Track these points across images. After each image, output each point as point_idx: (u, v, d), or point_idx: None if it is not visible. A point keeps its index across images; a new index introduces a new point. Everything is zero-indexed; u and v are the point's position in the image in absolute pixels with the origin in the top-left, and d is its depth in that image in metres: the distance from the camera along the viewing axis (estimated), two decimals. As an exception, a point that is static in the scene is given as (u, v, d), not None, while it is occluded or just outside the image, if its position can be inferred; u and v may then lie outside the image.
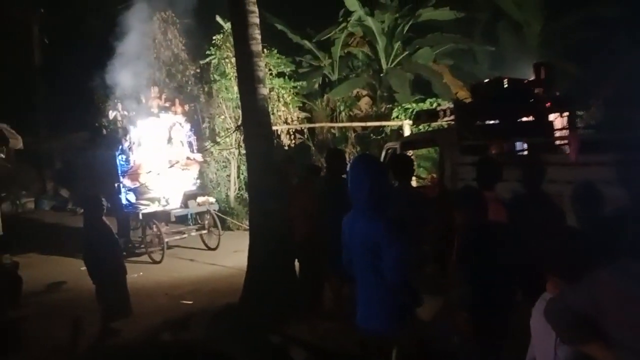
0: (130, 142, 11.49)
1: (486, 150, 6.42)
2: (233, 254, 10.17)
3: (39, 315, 7.27)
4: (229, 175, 14.35)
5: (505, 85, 7.04)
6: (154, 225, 10.72)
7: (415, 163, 6.84)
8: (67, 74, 16.52)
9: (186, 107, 13.02)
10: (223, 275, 9.08)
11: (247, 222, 9.10)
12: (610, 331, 1.95)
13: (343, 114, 15.54)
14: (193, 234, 11.43)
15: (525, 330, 2.89)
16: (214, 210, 11.58)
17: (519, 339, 3.29)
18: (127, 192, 11.27)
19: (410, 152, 7.96)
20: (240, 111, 8.30)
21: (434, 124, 10.55)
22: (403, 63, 15.32)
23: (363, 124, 14.46)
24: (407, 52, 15.38)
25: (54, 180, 18.72)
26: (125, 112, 12.04)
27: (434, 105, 12.68)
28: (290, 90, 14.23)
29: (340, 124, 15.14)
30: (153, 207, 11.03)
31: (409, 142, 8.52)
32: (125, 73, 11.57)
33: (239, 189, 14.22)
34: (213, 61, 14.09)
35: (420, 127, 11.08)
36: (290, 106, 14.12)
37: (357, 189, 3.24)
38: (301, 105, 15.24)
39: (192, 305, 7.49)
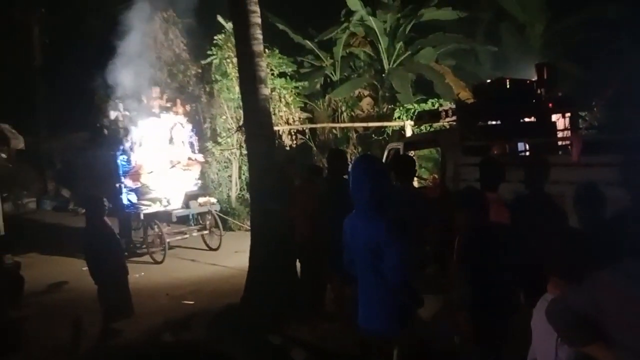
0: (131, 143, 11.49)
1: (488, 151, 6.41)
2: (234, 255, 10.17)
3: (41, 315, 7.28)
4: (230, 176, 14.36)
5: (508, 86, 7.03)
6: (156, 226, 10.73)
7: (417, 164, 6.82)
8: (68, 74, 16.53)
9: (187, 107, 13.01)
10: (224, 275, 9.09)
11: (249, 223, 9.11)
12: (611, 332, 1.95)
13: (345, 114, 15.53)
14: (194, 234, 11.44)
15: (526, 331, 2.88)
16: (215, 210, 11.59)
17: (520, 340, 3.28)
18: (129, 192, 11.28)
19: (412, 153, 7.96)
20: (241, 111, 8.31)
21: (435, 125, 10.54)
22: (405, 63, 15.30)
23: (365, 124, 14.45)
24: (409, 52, 15.36)
25: (55, 181, 18.72)
26: (127, 112, 12.04)
27: (436, 105, 12.68)
28: (291, 91, 14.23)
29: (342, 125, 15.13)
30: (154, 208, 11.04)
31: (412, 143, 8.51)
32: (126, 73, 11.57)
33: (240, 190, 14.23)
34: (214, 61, 14.10)
35: (422, 127, 11.06)
36: (292, 106, 14.13)
37: (359, 190, 3.24)
38: (303, 105, 15.24)
39: (193, 306, 7.50)
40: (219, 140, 13.77)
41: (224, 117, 14.06)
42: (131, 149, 11.47)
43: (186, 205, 11.18)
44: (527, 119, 7.33)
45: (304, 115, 15.16)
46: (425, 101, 13.77)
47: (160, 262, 10.36)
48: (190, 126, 12.42)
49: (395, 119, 13.62)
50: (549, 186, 4.36)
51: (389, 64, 15.42)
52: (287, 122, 13.97)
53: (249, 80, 6.71)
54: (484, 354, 3.55)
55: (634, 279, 1.91)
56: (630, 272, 1.93)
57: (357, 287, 3.41)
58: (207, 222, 11.60)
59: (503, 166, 4.45)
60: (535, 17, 14.88)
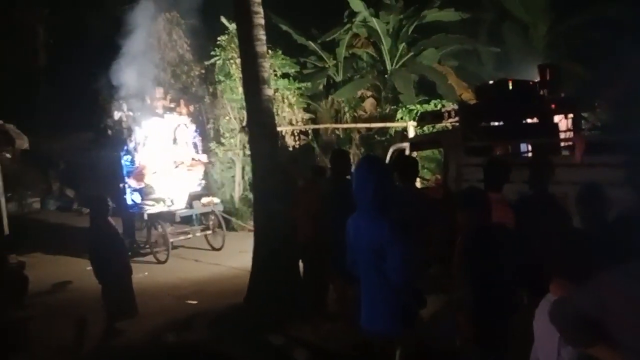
0: (135, 143, 11.53)
1: (491, 152, 6.41)
2: (237, 255, 10.18)
3: (45, 315, 7.29)
4: (233, 176, 14.37)
5: (510, 87, 7.03)
6: (159, 226, 10.75)
7: (419, 164, 6.83)
8: (72, 74, 16.58)
9: (191, 107, 13.05)
10: (227, 275, 9.10)
11: (252, 223, 9.11)
12: (616, 333, 1.95)
13: (347, 115, 15.53)
14: (198, 234, 11.46)
15: (527, 332, 2.89)
16: (219, 210, 11.61)
17: (520, 340, 3.29)
18: (132, 192, 11.31)
19: (414, 154, 7.96)
20: (244, 112, 8.33)
21: (438, 126, 10.54)
22: (408, 64, 15.30)
23: (367, 125, 14.45)
24: (411, 53, 15.34)
25: (59, 181, 18.78)
26: (130, 113, 12.08)
27: (439, 106, 12.67)
28: (294, 91, 14.24)
29: (345, 125, 15.13)
30: (158, 208, 11.06)
31: (419, 143, 8.51)
32: (130, 74, 11.60)
33: (243, 190, 14.24)
34: (218, 62, 14.11)
35: (425, 128, 11.07)
36: (295, 107, 14.13)
37: (362, 190, 3.26)
38: (305, 106, 15.24)
39: (196, 306, 7.51)
40: (223, 140, 13.79)
41: (228, 117, 14.08)
42: (135, 149, 11.50)
43: (190, 205, 11.21)
44: (529, 120, 7.33)
45: (307, 115, 15.16)
46: (427, 102, 13.76)
47: (164, 262, 10.38)
48: (193, 127, 12.46)
49: (398, 119, 13.61)
50: (552, 186, 4.37)
51: (392, 65, 15.41)
52: (290, 123, 13.98)
53: (252, 81, 6.73)
54: (485, 354, 3.56)
55: (637, 280, 1.92)
56: (634, 272, 1.94)
57: (360, 287, 3.43)
58: (211, 223, 11.62)
59: (508, 167, 4.46)
60: (538, 18, 14.85)
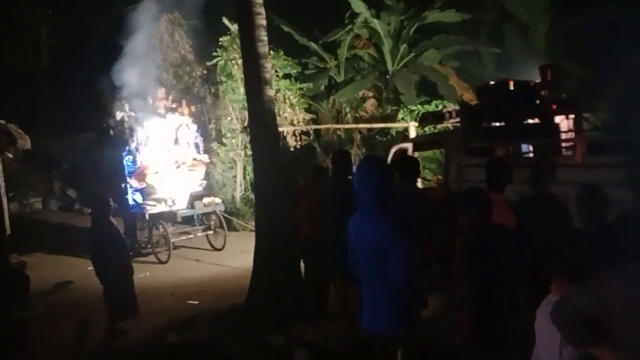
0: (137, 143, 11.54)
1: (492, 152, 6.42)
2: (239, 255, 10.19)
3: (46, 314, 7.31)
4: (235, 176, 14.38)
5: (511, 87, 7.03)
6: (161, 226, 10.77)
7: (420, 164, 6.83)
8: (75, 74, 16.61)
9: (193, 108, 13.06)
10: (229, 275, 9.11)
11: (253, 223, 9.13)
12: (617, 333, 1.96)
13: (349, 115, 15.54)
14: (199, 234, 11.48)
15: (527, 332, 2.90)
16: (220, 211, 11.63)
17: (520, 340, 3.30)
18: (134, 192, 11.32)
19: (415, 154, 7.96)
20: (246, 112, 8.33)
21: (439, 126, 10.55)
22: (409, 65, 15.30)
23: (369, 125, 14.46)
24: (413, 54, 15.35)
25: (61, 181, 18.81)
26: (132, 113, 12.10)
27: (440, 107, 12.67)
28: (296, 92, 14.25)
29: (346, 126, 15.14)
30: (159, 208, 11.08)
31: (420, 143, 8.51)
32: (132, 74, 11.62)
33: (244, 190, 14.25)
34: (220, 63, 14.13)
35: (426, 129, 11.07)
36: (296, 108, 14.14)
37: (363, 190, 3.26)
38: (307, 106, 15.25)
39: (197, 306, 7.52)
40: (224, 141, 13.80)
41: (229, 118, 14.09)
42: (137, 149, 11.52)
43: (191, 205, 11.23)
44: (530, 121, 7.33)
45: (309, 116, 15.18)
46: (429, 102, 13.77)
47: (165, 262, 10.39)
48: (195, 127, 12.47)
49: (399, 120, 13.62)
50: (553, 187, 4.38)
51: (393, 66, 15.42)
52: (292, 123, 13.99)
53: (254, 81, 6.74)
54: (485, 354, 3.56)
55: (637, 280, 1.93)
56: (633, 272, 1.95)
57: (361, 287, 3.43)
58: (212, 223, 11.64)
59: (510, 167, 4.46)
60: (539, 18, 14.86)
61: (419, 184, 7.97)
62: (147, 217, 11.02)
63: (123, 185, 11.35)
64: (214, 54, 14.03)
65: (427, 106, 13.43)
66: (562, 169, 4.59)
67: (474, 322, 3.54)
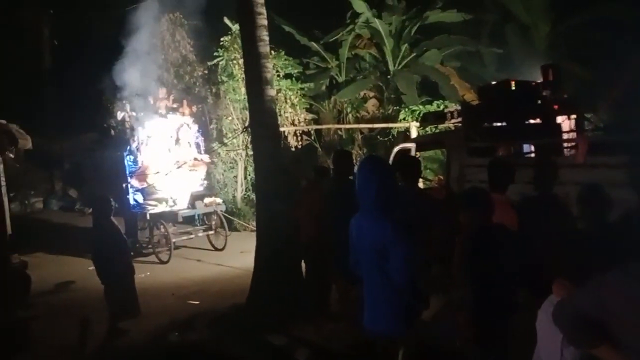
0: (138, 143, 11.55)
1: (493, 152, 6.41)
2: (240, 255, 10.19)
3: (47, 314, 7.32)
4: (236, 177, 14.39)
5: (513, 88, 7.02)
6: (162, 226, 10.77)
7: (422, 164, 6.82)
8: (76, 75, 16.63)
9: (194, 108, 13.08)
10: (229, 275, 9.11)
11: (254, 223, 9.13)
12: (618, 334, 1.95)
13: (350, 115, 15.54)
14: (200, 234, 11.48)
15: (530, 332, 2.89)
16: (221, 211, 11.63)
17: (520, 340, 3.29)
18: (135, 192, 11.33)
19: (417, 154, 7.96)
20: (247, 112, 8.32)
21: (441, 126, 10.54)
22: (410, 65, 15.30)
23: (370, 125, 14.47)
24: (414, 54, 15.35)
25: (62, 181, 18.81)
26: (134, 113, 12.11)
27: (441, 107, 12.66)
28: (297, 92, 14.25)
29: (347, 126, 15.14)
30: (160, 208, 11.09)
31: (423, 143, 8.50)
32: (133, 74, 11.63)
33: (245, 190, 14.26)
34: (221, 62, 14.14)
35: (428, 129, 11.07)
36: (298, 108, 14.14)
37: (365, 190, 3.26)
38: (308, 106, 15.26)
39: (198, 306, 7.52)
40: (225, 141, 13.80)
41: (230, 118, 14.09)
42: (138, 149, 11.52)
43: (192, 205, 11.23)
44: (532, 121, 7.32)
45: (310, 116, 15.18)
46: (430, 103, 13.77)
47: (166, 262, 10.40)
48: (196, 127, 12.48)
49: (401, 120, 13.62)
50: (555, 187, 4.37)
51: (394, 66, 15.42)
52: (293, 123, 13.99)
53: (255, 81, 6.73)
54: (485, 354, 3.56)
55: (637, 280, 1.92)
56: (634, 272, 1.94)
57: (363, 287, 3.43)
58: (213, 223, 11.64)
59: (512, 167, 4.45)
60: (540, 19, 14.83)
61: (420, 184, 7.98)
62: (148, 217, 11.03)
63: (124, 185, 11.36)
64: (215, 53, 14.04)
65: (428, 106, 13.42)
66: (563, 169, 4.58)
67: (474, 322, 3.54)
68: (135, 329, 6.34)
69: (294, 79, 14.46)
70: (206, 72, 15.06)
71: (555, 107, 7.06)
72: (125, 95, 12.05)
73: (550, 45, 14.70)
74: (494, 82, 7.86)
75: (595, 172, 4.74)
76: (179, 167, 11.28)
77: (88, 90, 14.60)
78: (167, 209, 11.11)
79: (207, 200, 11.45)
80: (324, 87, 16.02)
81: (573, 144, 6.64)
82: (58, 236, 13.22)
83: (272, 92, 6.86)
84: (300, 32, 15.78)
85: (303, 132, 14.30)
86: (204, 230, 11.63)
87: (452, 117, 7.56)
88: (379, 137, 14.41)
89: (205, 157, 12.36)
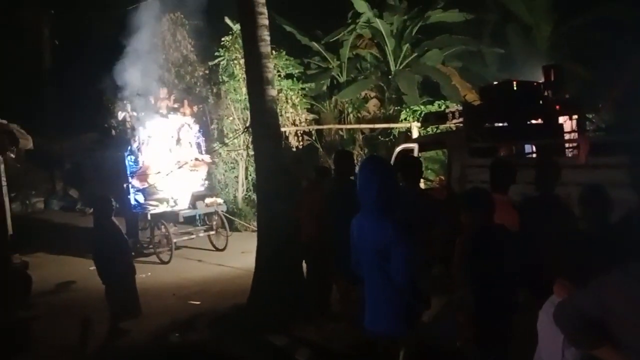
0: (139, 143, 11.55)
1: (495, 153, 6.40)
2: (241, 255, 10.19)
3: (48, 314, 7.32)
4: (237, 177, 14.39)
5: (514, 88, 7.01)
6: (162, 226, 10.77)
7: (423, 165, 6.82)
8: (77, 75, 16.62)
9: (195, 108, 13.08)
10: (230, 276, 9.11)
11: (255, 223, 9.12)
12: (619, 334, 1.95)
13: (351, 115, 15.53)
14: (201, 234, 11.48)
15: (531, 333, 2.88)
16: (222, 211, 11.63)
17: (520, 341, 3.29)
18: (136, 192, 11.33)
19: (418, 154, 7.94)
20: (248, 112, 8.34)
21: (442, 126, 10.54)
22: (411, 65, 15.28)
23: (371, 125, 14.46)
24: (415, 54, 15.32)
25: (63, 181, 18.81)
26: (134, 113, 12.11)
27: (443, 107, 12.65)
28: (298, 92, 14.25)
29: (348, 126, 15.14)
30: (161, 208, 11.09)
31: (424, 144, 8.49)
32: (134, 74, 11.63)
33: (246, 190, 14.26)
34: (222, 62, 14.13)
35: (429, 129, 11.06)
36: (299, 108, 14.14)
37: (366, 191, 3.26)
38: (309, 106, 15.24)
39: (199, 306, 7.52)
40: (226, 141, 13.80)
41: (231, 118, 14.09)
42: (139, 149, 11.52)
43: (193, 205, 11.23)
44: (534, 121, 7.32)
45: (311, 116, 15.17)
46: (431, 103, 13.76)
47: (167, 263, 10.40)
48: (197, 127, 12.49)
49: (402, 120, 13.61)
50: (557, 188, 4.36)
51: (396, 66, 15.40)
52: (294, 123, 13.99)
53: (256, 81, 6.73)
54: (485, 354, 3.56)
55: (637, 280, 1.92)
56: (634, 272, 1.94)
57: (364, 287, 3.43)
58: (214, 223, 11.64)
59: (514, 168, 4.44)
60: (542, 19, 14.82)
61: (422, 185, 7.97)
62: (149, 217, 11.03)
63: (125, 185, 11.36)
64: (216, 53, 14.03)
65: (429, 106, 13.41)
66: (565, 170, 4.58)
67: (474, 322, 3.53)
68: (136, 329, 6.34)
69: (295, 79, 14.46)
70: (207, 72, 15.05)
71: (557, 107, 7.05)
72: (126, 95, 12.05)
73: (552, 45, 14.69)
74: (495, 83, 7.87)
75: (596, 172, 4.74)
76: (180, 167, 11.28)
77: (89, 90, 14.61)
78: (168, 209, 11.11)
79: (208, 200, 11.44)
80: (325, 87, 16.01)
81: (575, 144, 6.63)
82: (59, 236, 13.23)
83: (273, 92, 6.85)
84: (302, 32, 15.77)
85: (304, 132, 14.29)
86: (205, 231, 11.62)
87: (454, 118, 7.55)
88: (380, 137, 14.40)
89: (206, 157, 12.37)
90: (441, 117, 8.02)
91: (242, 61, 11.34)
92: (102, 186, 11.93)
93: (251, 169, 13.45)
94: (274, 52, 11.51)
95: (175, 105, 12.55)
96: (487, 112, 7.14)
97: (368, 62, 16.54)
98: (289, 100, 13.92)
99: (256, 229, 7.85)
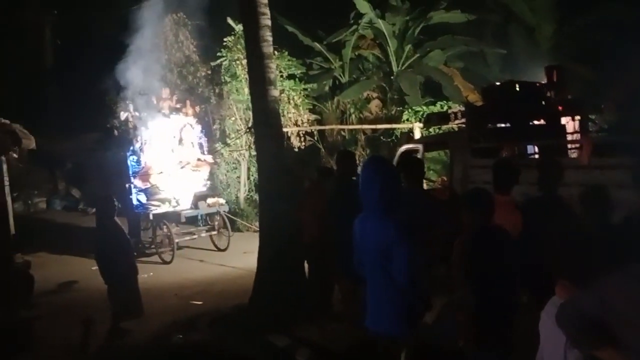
0: (141, 143, 11.56)
1: (497, 153, 6.40)
2: (242, 255, 10.19)
3: (50, 314, 7.33)
4: (239, 177, 14.39)
5: (517, 88, 7.01)
6: (164, 226, 10.78)
7: (425, 165, 6.81)
8: (79, 74, 16.65)
9: (197, 108, 13.08)
10: (232, 276, 9.11)
11: (257, 224, 9.12)
12: (622, 335, 1.95)
13: (353, 116, 15.52)
14: (203, 235, 11.48)
15: (532, 333, 2.88)
16: (224, 211, 11.63)
17: (526, 342, 3.28)
18: (138, 192, 11.35)
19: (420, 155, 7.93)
20: (250, 113, 8.34)
21: (444, 127, 10.53)
22: (414, 65, 15.27)
23: (373, 126, 14.45)
24: (417, 55, 15.31)
25: (65, 181, 18.82)
26: (137, 113, 12.12)
27: (445, 108, 12.65)
28: (300, 92, 14.24)
29: (350, 126, 15.13)
30: (163, 208, 11.09)
31: (426, 144, 8.48)
32: (136, 74, 11.64)
33: (248, 191, 14.26)
34: (224, 63, 14.13)
35: (431, 130, 11.05)
36: (301, 108, 14.13)
37: (368, 191, 3.26)
38: (311, 107, 15.22)
39: (201, 306, 7.52)
40: (228, 141, 13.80)
41: (233, 118, 14.09)
42: (141, 149, 11.54)
43: (195, 206, 11.23)
44: (536, 122, 7.31)
45: (313, 117, 15.15)
46: (433, 103, 13.75)
47: (169, 263, 10.40)
48: (199, 127, 12.50)
49: (404, 121, 13.61)
50: (559, 188, 4.36)
51: (398, 67, 15.39)
52: (296, 124, 13.98)
53: (259, 81, 6.73)
54: (485, 354, 3.55)
55: (637, 280, 1.91)
56: (634, 272, 1.94)
57: (366, 287, 3.42)
58: (216, 223, 11.64)
59: (516, 169, 4.44)
60: (544, 19, 14.81)
61: (424, 185, 7.96)
62: (151, 217, 11.04)
63: (127, 185, 11.38)
64: (219, 54, 14.04)
65: (432, 107, 13.41)
66: (568, 171, 4.57)
67: (475, 323, 3.53)
68: (138, 329, 6.34)
69: (297, 79, 14.45)
70: (209, 72, 15.05)
71: (560, 108, 7.04)
72: (128, 95, 12.06)
73: (554, 46, 14.67)
74: (497, 83, 7.85)
75: (599, 173, 4.73)
76: (182, 168, 11.29)
77: (91, 90, 14.60)
78: (170, 209, 11.12)
79: (210, 200, 11.44)
80: (327, 88, 16.01)
81: (577, 145, 6.62)
82: (61, 236, 13.23)
83: (275, 92, 6.85)
84: (304, 32, 15.77)
85: (306, 133, 14.28)
86: (207, 231, 11.63)
87: (456, 118, 7.54)
88: (382, 137, 14.39)
89: (209, 158, 12.38)
90: (443, 117, 8.02)
91: (244, 61, 11.36)
92: (104, 186, 11.94)
93: (253, 169, 13.44)
94: (276, 52, 11.52)
95: (178, 106, 12.56)
96: (490, 112, 7.14)
97: (370, 63, 16.53)
98: (291, 101, 13.92)
99: (258, 229, 7.85)
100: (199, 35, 14.80)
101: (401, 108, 14.41)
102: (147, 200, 11.23)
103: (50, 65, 20.20)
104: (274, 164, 6.74)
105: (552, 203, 4.20)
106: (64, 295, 8.59)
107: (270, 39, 6.77)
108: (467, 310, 3.55)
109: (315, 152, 14.79)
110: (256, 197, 12.44)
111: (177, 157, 11.56)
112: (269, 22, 6.73)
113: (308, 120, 14.51)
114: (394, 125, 13.80)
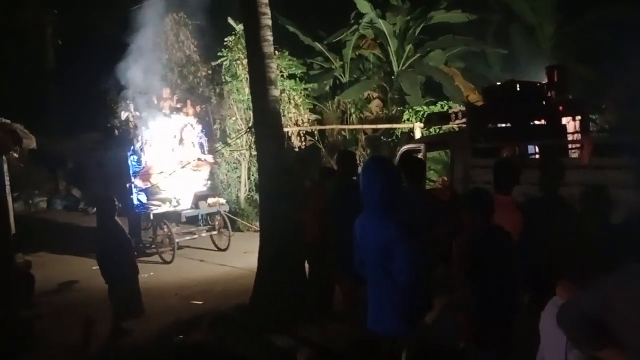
0: (142, 143, 11.56)
1: (498, 154, 6.39)
2: (243, 255, 10.19)
3: (51, 314, 7.33)
4: (239, 177, 14.40)
5: (518, 89, 7.00)
6: (165, 226, 10.79)
7: (426, 165, 6.80)
8: (80, 75, 16.65)
9: (198, 108, 13.09)
10: (233, 276, 9.11)
11: (258, 224, 9.12)
12: (623, 336, 1.95)
13: (354, 116, 15.52)
14: (204, 235, 11.48)
15: (528, 333, 2.88)
16: (225, 211, 11.64)
17: (522, 341, 3.28)
18: (139, 192, 11.35)
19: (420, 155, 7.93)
20: (251, 113, 8.33)
21: (445, 127, 10.52)
22: (414, 66, 15.27)
23: (374, 126, 14.45)
24: (418, 55, 15.31)
25: (66, 181, 18.84)
26: (138, 113, 12.13)
27: (446, 108, 12.64)
28: (301, 93, 14.24)
29: (351, 127, 15.13)
30: (164, 208, 11.10)
31: (429, 144, 8.47)
32: (137, 74, 11.65)
33: (249, 191, 14.26)
34: (225, 63, 14.14)
35: (432, 130, 11.05)
36: (301, 108, 14.14)
37: (369, 191, 3.26)
38: (312, 107, 15.23)
39: (202, 306, 7.53)
40: (229, 141, 13.80)
41: (234, 118, 14.10)
42: (142, 149, 11.54)
43: (196, 206, 11.23)
44: (537, 122, 7.30)
45: (314, 117, 15.16)
46: (434, 103, 13.75)
47: (170, 263, 10.40)
48: (200, 127, 12.51)
49: (405, 121, 13.60)
50: (560, 189, 4.35)
51: (399, 67, 15.39)
52: (297, 124, 13.98)
53: (259, 81, 6.73)
54: (485, 354, 3.55)
55: (638, 280, 1.91)
56: (635, 272, 1.94)
57: (367, 288, 3.42)
58: (217, 223, 11.64)
59: (517, 169, 4.44)
60: (545, 19, 14.81)
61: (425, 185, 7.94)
62: (151, 217, 11.05)
63: (128, 185, 11.38)
64: (219, 54, 14.05)
65: (432, 107, 13.41)
66: (569, 171, 4.57)
67: (475, 323, 3.53)
68: (139, 329, 6.35)
69: (298, 79, 14.45)
70: (210, 72, 15.06)
71: (561, 108, 7.04)
72: (129, 95, 12.06)
73: (555, 46, 14.67)
74: (498, 83, 7.85)
75: (600, 173, 4.73)
76: (182, 168, 11.29)
77: (92, 90, 14.62)
78: (171, 209, 11.13)
79: (210, 200, 11.45)
80: (327, 88, 16.01)
81: (578, 145, 6.61)
82: (62, 236, 13.23)
83: (276, 92, 6.85)
84: (305, 32, 15.77)
85: (307, 133, 14.29)
86: (208, 231, 11.63)
87: (457, 118, 7.53)
88: (382, 138, 14.39)
89: (209, 158, 12.38)
90: (444, 117, 8.01)
91: (245, 61, 11.37)
92: (105, 186, 11.97)
93: (254, 169, 13.44)
94: (277, 52, 11.52)
95: (179, 106, 12.57)
96: (491, 113, 7.13)
97: (371, 63, 16.53)
98: (292, 101, 13.93)
99: (259, 229, 7.85)
100: (199, 35, 14.81)
101: (402, 108, 14.41)
102: (148, 200, 11.23)
103: (51, 66, 20.21)
104: (274, 164, 6.74)
105: (553, 203, 4.20)
106: (65, 295, 8.60)
107: (271, 39, 6.76)
108: (467, 310, 3.55)
109: (316, 152, 14.79)
110: (257, 197, 12.44)
111: (177, 157, 11.56)
112: (269, 22, 6.73)
113: (309, 120, 14.51)
114: (394, 126, 13.80)
